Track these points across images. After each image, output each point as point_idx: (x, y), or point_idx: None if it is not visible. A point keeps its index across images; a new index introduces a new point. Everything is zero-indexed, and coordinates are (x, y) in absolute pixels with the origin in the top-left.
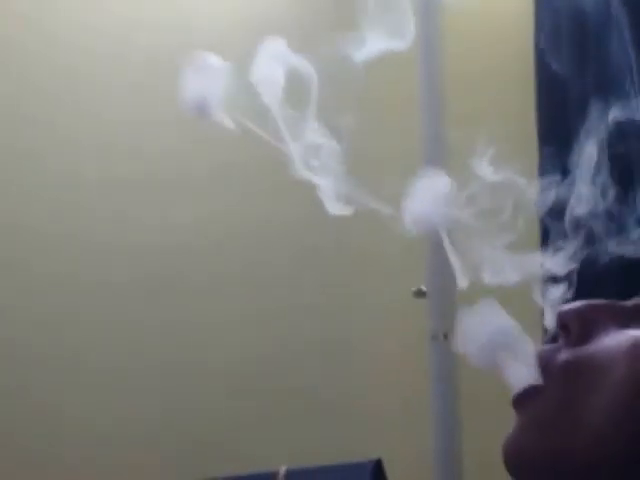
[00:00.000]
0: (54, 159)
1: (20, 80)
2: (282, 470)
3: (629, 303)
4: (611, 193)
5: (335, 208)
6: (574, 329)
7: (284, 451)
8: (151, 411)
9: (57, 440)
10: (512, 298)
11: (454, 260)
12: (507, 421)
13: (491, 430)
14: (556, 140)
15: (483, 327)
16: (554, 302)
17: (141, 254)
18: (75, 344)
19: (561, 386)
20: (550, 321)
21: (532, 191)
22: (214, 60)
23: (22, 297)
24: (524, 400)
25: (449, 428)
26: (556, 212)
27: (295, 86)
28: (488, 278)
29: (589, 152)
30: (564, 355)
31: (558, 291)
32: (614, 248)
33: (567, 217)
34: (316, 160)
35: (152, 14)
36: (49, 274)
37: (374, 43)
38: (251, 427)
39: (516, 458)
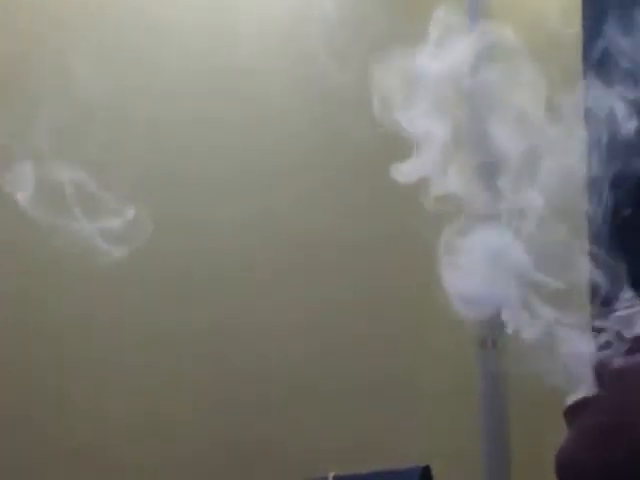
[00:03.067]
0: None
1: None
2: (330, 476)
3: None
4: None
5: None
6: (628, 336)
7: (331, 457)
8: (192, 417)
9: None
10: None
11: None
12: (556, 427)
13: (540, 436)
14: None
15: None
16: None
17: (191, 250)
18: (109, 340)
19: (615, 394)
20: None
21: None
22: None
23: (55, 289)
24: (576, 412)
25: (498, 434)
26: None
27: None
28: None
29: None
30: (618, 362)
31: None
32: None
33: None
34: None
35: None
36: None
37: None
38: (297, 432)
39: (568, 469)
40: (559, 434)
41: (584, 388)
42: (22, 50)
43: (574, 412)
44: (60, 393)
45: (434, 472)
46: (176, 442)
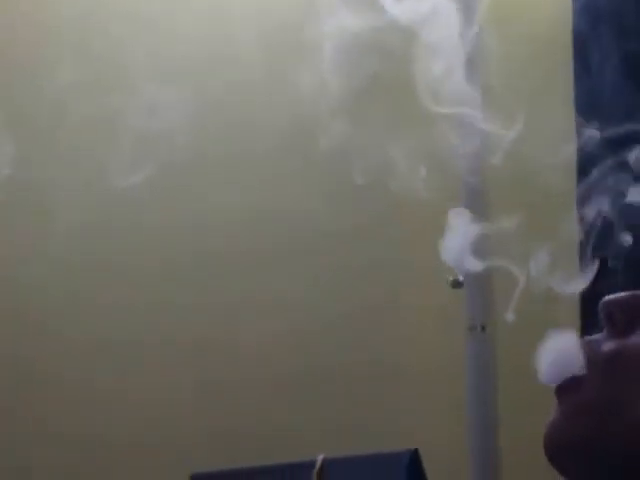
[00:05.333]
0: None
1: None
2: (319, 459)
3: None
4: None
5: None
6: (619, 319)
7: (319, 439)
8: (181, 397)
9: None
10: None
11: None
12: (544, 412)
13: (528, 421)
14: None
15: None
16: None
17: (178, 233)
18: (103, 324)
19: (605, 376)
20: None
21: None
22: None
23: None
24: (567, 389)
25: (486, 419)
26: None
27: None
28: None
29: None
30: (609, 345)
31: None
32: None
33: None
34: None
35: None
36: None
37: None
38: (286, 414)
39: (557, 445)
40: (547, 417)
41: (576, 368)
42: None
43: (564, 390)
44: (57, 379)
45: (422, 455)
46: (173, 427)
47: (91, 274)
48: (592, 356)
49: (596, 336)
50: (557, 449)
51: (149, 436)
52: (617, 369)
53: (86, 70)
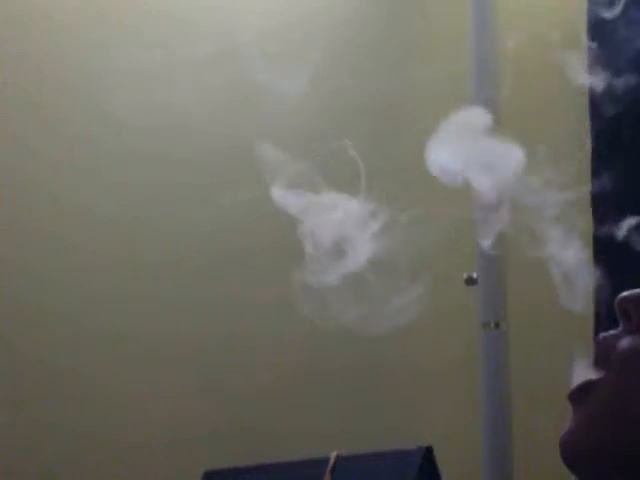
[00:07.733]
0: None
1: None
2: (333, 456)
3: None
4: None
5: None
6: (635, 316)
7: (333, 437)
8: (195, 394)
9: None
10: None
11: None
12: (558, 408)
13: (542, 418)
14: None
15: None
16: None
17: (185, 232)
18: (104, 324)
19: (620, 375)
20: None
21: None
22: None
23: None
24: (581, 395)
25: (500, 416)
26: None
27: None
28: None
29: None
30: (624, 343)
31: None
32: None
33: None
34: None
35: None
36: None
37: None
38: (300, 412)
39: (575, 453)
40: (561, 416)
41: (589, 371)
42: None
43: (579, 395)
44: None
45: (436, 453)
46: (185, 425)
47: (92, 275)
48: (608, 353)
49: (612, 332)
50: (575, 458)
51: (161, 434)
52: (633, 367)
53: (89, 69)
